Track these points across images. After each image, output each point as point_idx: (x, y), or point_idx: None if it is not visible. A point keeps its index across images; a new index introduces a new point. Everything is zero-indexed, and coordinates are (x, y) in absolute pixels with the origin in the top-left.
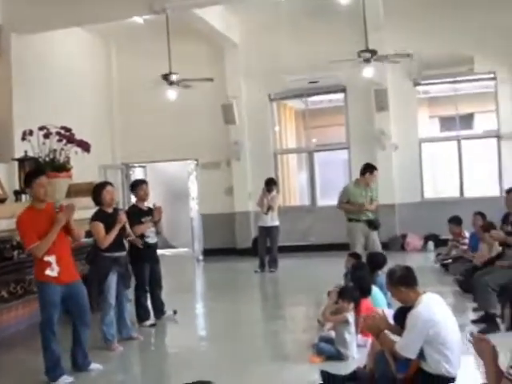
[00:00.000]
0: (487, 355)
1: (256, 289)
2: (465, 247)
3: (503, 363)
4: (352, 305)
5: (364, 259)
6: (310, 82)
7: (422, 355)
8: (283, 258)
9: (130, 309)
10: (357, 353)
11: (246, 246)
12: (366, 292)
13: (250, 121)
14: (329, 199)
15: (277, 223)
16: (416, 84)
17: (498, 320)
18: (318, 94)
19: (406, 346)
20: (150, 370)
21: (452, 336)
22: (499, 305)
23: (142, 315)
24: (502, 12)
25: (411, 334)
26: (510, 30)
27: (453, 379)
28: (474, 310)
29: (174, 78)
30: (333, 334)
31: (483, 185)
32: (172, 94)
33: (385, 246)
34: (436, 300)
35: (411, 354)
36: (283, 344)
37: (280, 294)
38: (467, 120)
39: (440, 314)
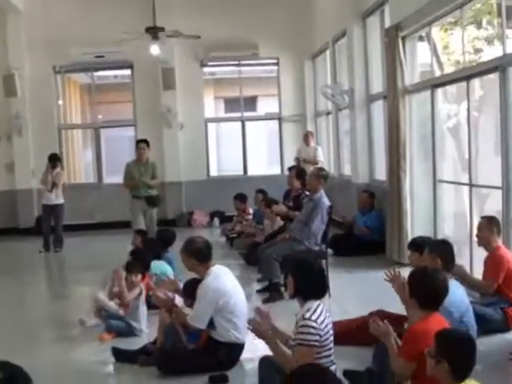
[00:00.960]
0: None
1: (41, 269)
2: (249, 222)
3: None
4: (140, 277)
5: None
6: (97, 57)
7: (211, 325)
8: (69, 236)
9: None
10: (147, 327)
11: (30, 226)
12: (146, 267)
13: (32, 93)
14: (115, 177)
15: (61, 201)
16: (203, 65)
17: (282, 288)
18: (104, 69)
19: (196, 316)
20: None
21: (240, 305)
22: (282, 275)
23: None
24: (286, 1)
25: (201, 305)
26: (293, 18)
27: (242, 345)
28: (259, 280)
29: None
30: (121, 311)
31: (266, 164)
32: None
33: (172, 222)
34: (224, 272)
35: (202, 324)
36: (71, 324)
37: (66, 273)
38: (251, 102)
39: (228, 284)
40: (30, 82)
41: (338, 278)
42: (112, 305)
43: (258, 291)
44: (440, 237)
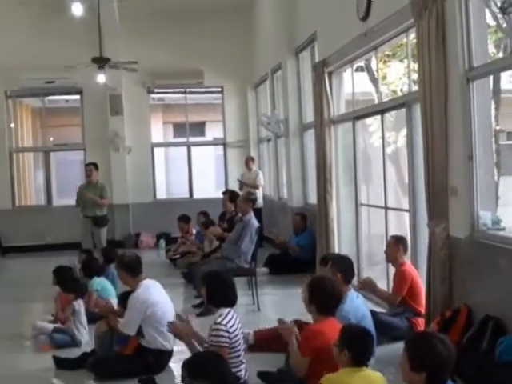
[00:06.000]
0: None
1: None
2: (190, 242)
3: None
4: (73, 295)
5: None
6: (47, 82)
7: (140, 332)
8: (18, 257)
9: None
10: (89, 337)
11: None
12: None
13: None
14: (66, 199)
15: None
16: (149, 92)
17: None
18: (54, 94)
19: (126, 324)
20: None
21: (168, 316)
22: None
23: None
24: (229, 32)
25: (131, 314)
26: (237, 48)
27: (169, 352)
28: (196, 296)
29: None
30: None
31: (213, 187)
32: None
33: (120, 244)
34: (153, 285)
35: (130, 331)
36: (19, 336)
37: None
38: (200, 127)
39: (156, 296)
40: None
41: (269, 294)
42: (49, 326)
43: (194, 306)
44: (362, 255)
